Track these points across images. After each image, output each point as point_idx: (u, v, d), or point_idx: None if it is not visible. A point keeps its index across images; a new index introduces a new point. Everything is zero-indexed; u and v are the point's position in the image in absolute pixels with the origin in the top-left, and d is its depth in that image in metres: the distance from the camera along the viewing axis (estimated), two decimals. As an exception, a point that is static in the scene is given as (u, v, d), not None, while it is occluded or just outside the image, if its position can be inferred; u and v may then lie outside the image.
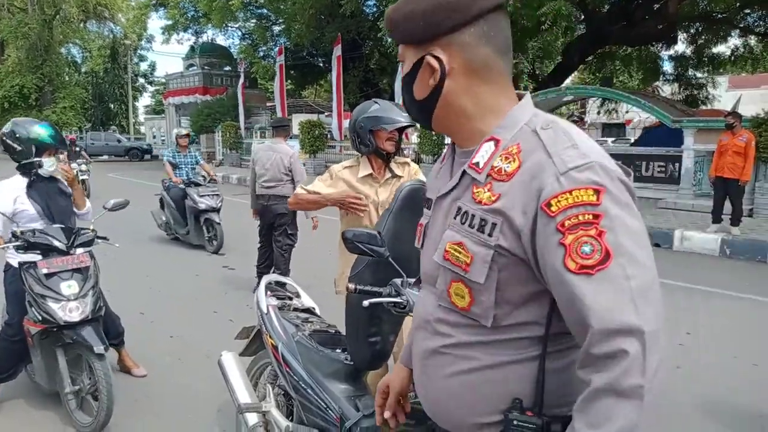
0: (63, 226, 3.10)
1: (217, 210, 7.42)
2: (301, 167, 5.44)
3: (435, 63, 1.04)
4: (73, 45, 36.36)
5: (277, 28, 22.01)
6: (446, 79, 1.04)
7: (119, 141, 30.19)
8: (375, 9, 18.56)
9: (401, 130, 2.70)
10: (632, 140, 22.26)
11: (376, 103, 2.71)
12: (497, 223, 0.97)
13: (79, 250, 3.11)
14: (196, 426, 3.12)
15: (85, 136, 30.12)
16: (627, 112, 20.40)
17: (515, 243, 0.96)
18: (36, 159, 3.12)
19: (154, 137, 34.87)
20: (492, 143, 1.03)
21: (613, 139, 30.20)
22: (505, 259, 0.97)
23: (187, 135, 8.28)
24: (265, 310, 2.57)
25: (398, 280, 1.93)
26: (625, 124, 30.55)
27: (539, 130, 0.99)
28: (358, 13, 17.79)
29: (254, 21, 22.32)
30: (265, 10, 21.10)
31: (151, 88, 49.51)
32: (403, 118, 2.60)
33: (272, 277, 2.85)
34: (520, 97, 1.08)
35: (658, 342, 0.88)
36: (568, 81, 24.09)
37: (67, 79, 33.63)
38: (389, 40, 15.18)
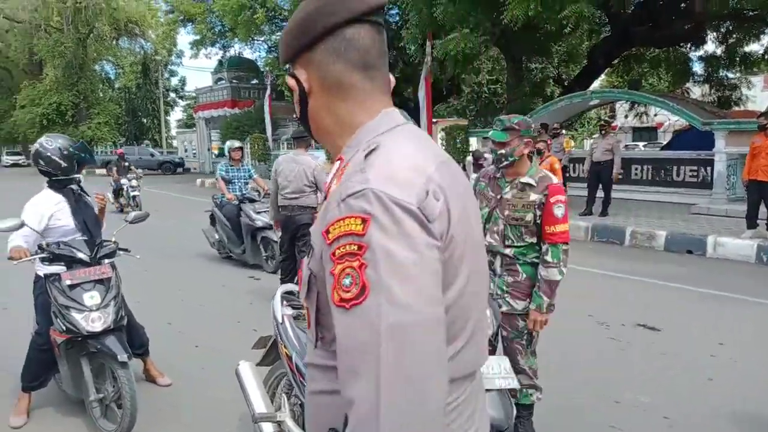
0: (86, 238, 3.18)
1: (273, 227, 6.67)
2: (326, 178, 5.45)
3: (292, 82, 1.05)
4: (106, 62, 37.50)
5: (302, 41, 22.26)
6: (308, 97, 1.04)
7: (152, 155, 30.89)
8: (398, 18, 18.63)
9: None
10: (663, 144, 21.73)
11: None
12: (312, 245, 0.96)
13: (105, 261, 3.19)
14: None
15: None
16: (656, 115, 19.98)
17: (318, 266, 0.93)
18: (77, 175, 3.29)
19: (186, 150, 35.59)
20: (338, 163, 1.01)
21: (644, 143, 29.63)
22: (318, 282, 0.94)
23: (240, 148, 7.81)
24: (280, 320, 2.59)
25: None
26: (656, 127, 29.96)
27: (362, 150, 0.94)
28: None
29: (279, 34, 22.62)
30: (290, 23, 21.38)
31: (182, 103, 50.68)
32: None
33: (288, 286, 2.86)
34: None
35: (411, 386, 0.80)
36: (596, 84, 23.78)
37: (101, 95, 34.70)
38: (413, 48, 15.22)
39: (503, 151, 2.68)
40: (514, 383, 1.88)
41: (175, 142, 42.91)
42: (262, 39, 23.70)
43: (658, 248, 8.35)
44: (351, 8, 0.96)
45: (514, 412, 1.89)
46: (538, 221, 2.66)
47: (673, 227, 8.84)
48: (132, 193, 13.32)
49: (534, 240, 2.71)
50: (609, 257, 7.87)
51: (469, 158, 7.45)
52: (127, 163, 14.54)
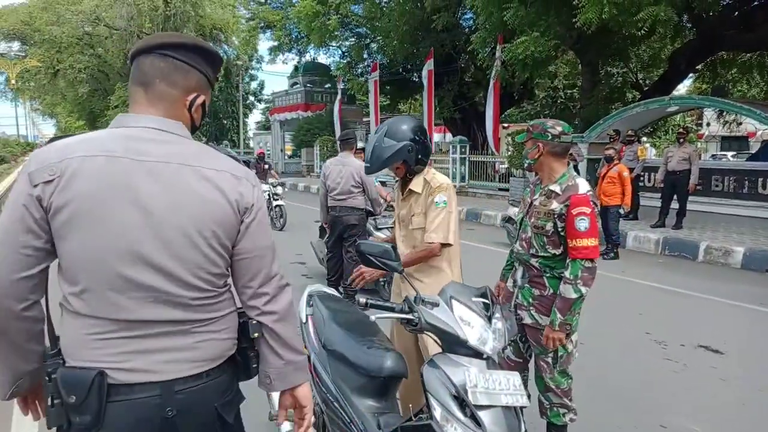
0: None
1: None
2: (372, 179, 5.49)
3: None
4: (192, 67, 39.47)
5: (374, 46, 22.55)
6: None
7: (230, 155, 32.22)
8: (471, 22, 18.46)
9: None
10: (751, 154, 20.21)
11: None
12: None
13: None
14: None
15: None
16: (740, 123, 18.58)
17: None
18: None
19: (261, 151, 36.94)
20: None
21: (732, 153, 27.65)
22: None
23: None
24: (303, 320, 2.62)
25: (411, 296, 1.90)
26: (748, 136, 27.89)
27: None
28: (453, 27, 17.77)
29: (352, 39, 23.03)
30: (362, 29, 21.71)
31: (260, 106, 52.62)
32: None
33: (317, 287, 2.90)
34: None
35: None
36: (682, 90, 22.45)
37: (186, 97, 36.54)
38: (483, 52, 15.03)
39: (523, 152, 2.75)
40: (522, 400, 1.80)
41: (252, 143, 44.59)
42: (336, 45, 24.19)
43: (734, 265, 7.77)
44: (140, 46, 1.37)
45: (523, 430, 1.81)
46: (562, 233, 2.53)
47: (753, 244, 8.20)
48: (276, 203, 10.98)
49: (559, 252, 2.57)
50: (678, 272, 7.40)
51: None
52: (267, 165, 12.75)
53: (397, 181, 2.87)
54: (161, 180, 1.26)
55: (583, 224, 2.44)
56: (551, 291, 2.60)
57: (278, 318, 1.45)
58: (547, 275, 2.61)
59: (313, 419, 2.54)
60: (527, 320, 2.68)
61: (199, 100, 1.40)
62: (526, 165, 2.73)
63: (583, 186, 2.55)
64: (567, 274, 2.48)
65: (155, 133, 1.31)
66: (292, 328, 1.49)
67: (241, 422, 1.53)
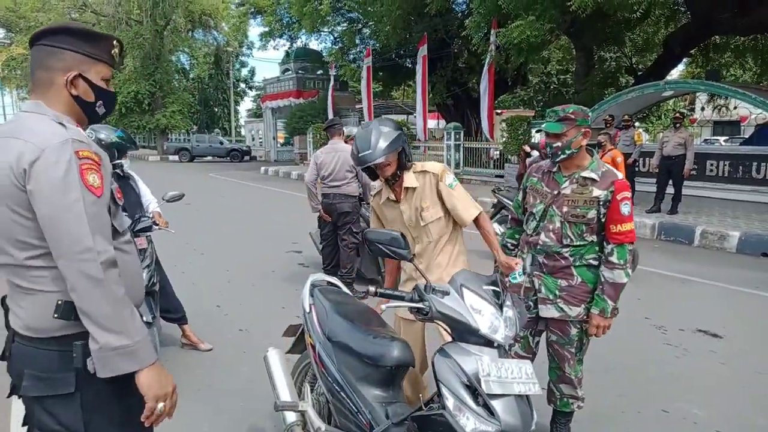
0: (126, 215, 3.44)
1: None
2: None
3: None
4: (181, 53, 39.02)
5: (366, 31, 22.33)
6: None
7: (221, 143, 32.03)
8: (464, 6, 18.29)
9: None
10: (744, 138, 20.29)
11: (360, 128, 2.62)
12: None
13: (141, 235, 3.63)
14: (252, 419, 3.20)
15: (191, 138, 32.30)
16: (735, 108, 18.60)
17: None
18: (119, 161, 3.66)
19: (253, 139, 36.69)
20: None
21: (725, 138, 27.76)
22: None
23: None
24: (307, 309, 2.58)
25: (422, 285, 1.86)
26: (740, 121, 27.99)
27: None
28: (446, 12, 17.61)
29: (344, 24, 22.78)
30: (355, 14, 21.46)
31: (251, 93, 52.21)
32: (360, 161, 2.47)
33: (319, 276, 2.85)
34: None
35: None
36: (674, 75, 22.43)
37: (176, 85, 36.12)
38: (477, 37, 14.90)
39: (559, 144, 2.49)
40: (535, 389, 1.77)
41: (243, 131, 44.29)
42: (328, 30, 23.94)
43: (730, 250, 7.80)
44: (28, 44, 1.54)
45: (535, 418, 1.79)
46: (602, 219, 2.49)
47: (748, 228, 8.23)
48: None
49: (594, 238, 2.53)
50: (674, 257, 7.42)
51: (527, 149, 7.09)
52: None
53: (375, 194, 2.78)
54: None
55: (626, 209, 2.46)
56: (580, 279, 2.56)
57: (81, 294, 1.34)
58: (576, 264, 2.56)
59: (310, 409, 2.52)
60: (553, 313, 2.61)
61: (71, 75, 1.47)
62: (563, 156, 2.52)
63: (616, 171, 2.56)
64: (614, 259, 2.46)
65: (18, 114, 1.50)
66: (105, 306, 1.35)
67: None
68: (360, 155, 2.45)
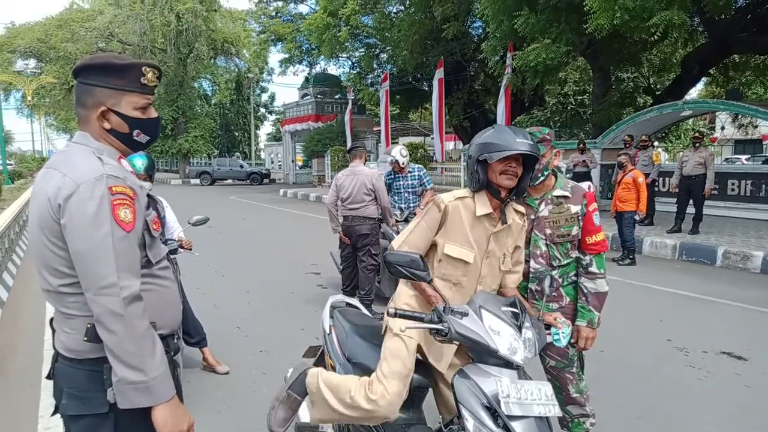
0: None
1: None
2: (383, 186, 5.52)
3: None
4: (203, 79, 39.95)
5: (384, 56, 22.68)
6: None
7: (242, 166, 32.51)
8: (481, 31, 18.51)
9: (530, 161, 2.16)
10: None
11: (492, 127, 2.21)
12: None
13: None
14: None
15: (212, 162, 32.83)
16: (756, 126, 18.38)
17: None
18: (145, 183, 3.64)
19: (272, 162, 37.20)
20: None
21: (747, 156, 27.37)
22: None
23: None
24: (327, 331, 2.63)
25: (441, 306, 1.90)
26: (762, 139, 27.60)
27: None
28: (462, 36, 17.83)
29: (362, 50, 23.17)
30: (372, 39, 21.84)
31: (271, 117, 53.04)
32: (522, 145, 2.03)
33: (338, 297, 2.90)
34: None
35: None
36: (694, 95, 22.29)
37: (198, 110, 36.92)
38: (494, 60, 15.03)
39: (539, 166, 2.38)
40: (555, 410, 1.78)
41: (263, 154, 44.91)
42: (346, 56, 24.36)
43: (753, 270, 7.67)
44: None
45: (554, 439, 1.80)
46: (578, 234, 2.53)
47: (773, 248, 8.09)
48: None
49: (576, 253, 2.56)
50: (697, 278, 7.32)
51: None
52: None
53: (456, 199, 2.21)
54: (37, 181, 1.53)
55: (598, 219, 2.53)
56: (568, 300, 2.58)
57: (103, 328, 1.40)
58: (564, 284, 2.57)
59: (330, 429, 2.55)
60: (550, 339, 2.62)
61: (99, 111, 1.54)
62: (541, 178, 2.46)
63: (581, 184, 2.63)
64: (595, 269, 2.50)
65: (68, 144, 1.61)
66: (125, 341, 1.40)
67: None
68: (518, 140, 2.04)
